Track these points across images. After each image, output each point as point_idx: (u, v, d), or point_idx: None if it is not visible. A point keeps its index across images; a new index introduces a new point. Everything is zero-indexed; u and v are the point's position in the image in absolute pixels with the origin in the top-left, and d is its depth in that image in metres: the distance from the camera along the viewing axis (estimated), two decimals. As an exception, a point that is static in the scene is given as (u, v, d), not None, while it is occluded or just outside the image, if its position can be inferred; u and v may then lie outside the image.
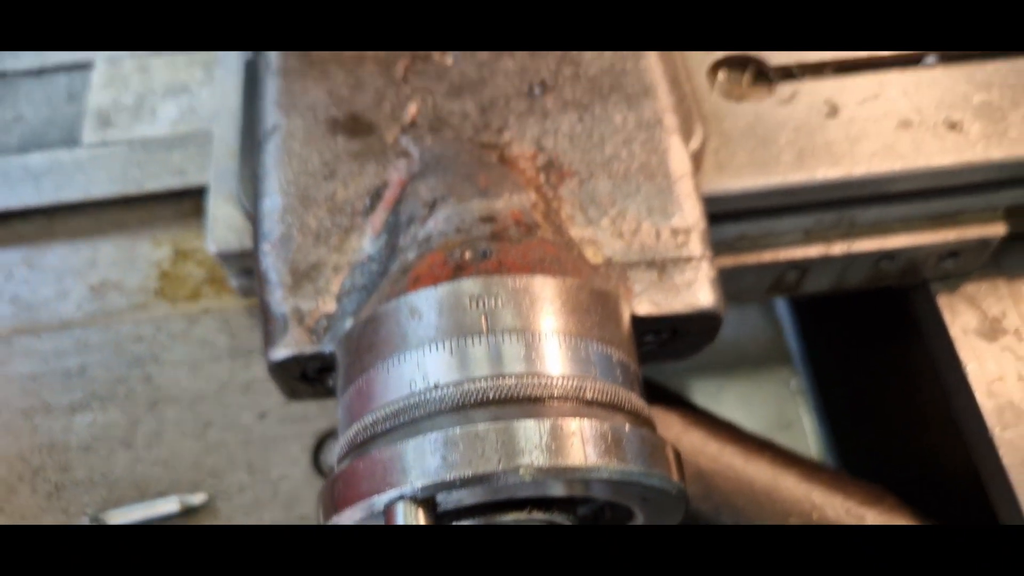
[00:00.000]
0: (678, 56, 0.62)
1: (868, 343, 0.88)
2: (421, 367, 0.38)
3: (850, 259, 0.64)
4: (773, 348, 1.20)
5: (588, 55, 0.54)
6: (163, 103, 0.71)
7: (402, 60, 0.55)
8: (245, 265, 0.60)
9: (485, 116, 0.52)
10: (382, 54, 0.55)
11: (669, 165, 0.50)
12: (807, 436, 1.13)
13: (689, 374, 1.17)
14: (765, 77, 0.64)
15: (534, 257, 0.42)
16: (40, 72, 0.74)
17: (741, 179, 0.59)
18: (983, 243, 0.65)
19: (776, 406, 1.16)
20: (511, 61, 0.54)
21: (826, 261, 0.64)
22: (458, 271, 0.41)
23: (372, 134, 0.52)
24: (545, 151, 0.51)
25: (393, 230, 0.48)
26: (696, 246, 0.48)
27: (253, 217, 0.53)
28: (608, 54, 0.54)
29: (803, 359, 1.14)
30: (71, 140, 0.70)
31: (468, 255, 0.42)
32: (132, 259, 0.67)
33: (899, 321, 0.76)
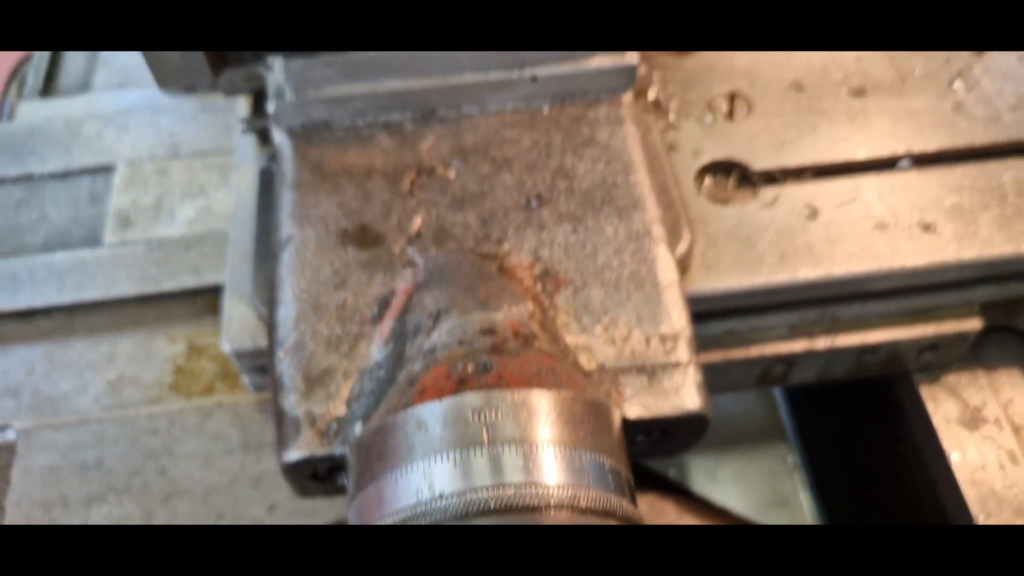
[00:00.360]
0: (667, 163, 0.66)
1: (857, 426, 0.91)
2: (427, 477, 0.41)
3: (833, 353, 0.67)
4: (769, 424, 1.22)
5: (581, 170, 0.58)
6: (181, 204, 0.75)
7: (408, 174, 0.59)
8: (257, 363, 0.63)
9: (486, 227, 0.56)
10: (389, 168, 0.59)
11: (657, 274, 0.54)
12: (804, 513, 1.14)
13: (686, 451, 1.18)
14: (749, 181, 0.68)
15: (531, 370, 0.45)
16: (65, 175, 0.78)
17: (727, 279, 0.62)
18: (960, 337, 0.68)
19: (772, 483, 1.18)
20: (509, 176, 0.58)
21: (810, 355, 0.67)
22: (461, 385, 0.44)
23: (380, 245, 0.56)
24: (542, 261, 0.54)
25: (399, 338, 0.51)
26: (683, 352, 0.51)
27: (267, 321, 0.56)
28: (600, 168, 0.58)
29: (796, 437, 1.16)
30: (93, 240, 0.74)
31: (470, 368, 0.45)
32: (148, 355, 0.70)
33: (885, 407, 0.79)
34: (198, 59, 0.55)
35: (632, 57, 0.60)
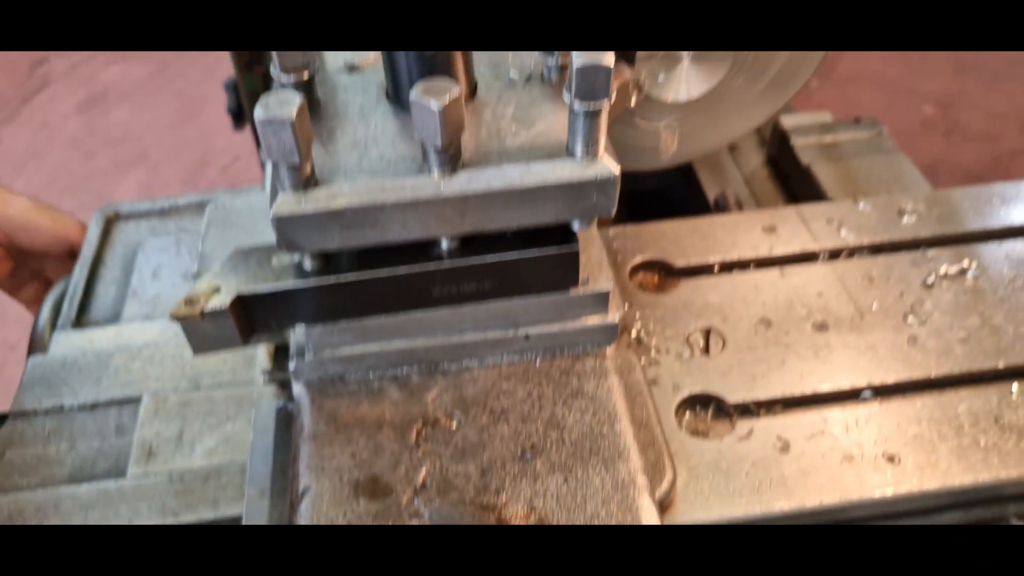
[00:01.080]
0: (650, 400, 0.72)
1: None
2: None
3: None
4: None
5: (570, 420, 0.65)
6: (201, 436, 0.81)
7: (415, 425, 0.65)
8: (271, 598, 0.67)
9: (484, 478, 0.61)
10: (398, 419, 0.65)
11: (641, 523, 0.59)
12: None
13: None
14: (725, 413, 0.74)
15: (528, 634, 0.50)
16: (94, 406, 0.84)
17: (708, 512, 0.67)
18: (932, 559, 0.72)
19: None
20: (506, 427, 0.64)
21: (792, 581, 0.71)
22: (464, 651, 0.48)
23: (389, 495, 0.61)
24: (536, 511, 0.60)
25: (407, 590, 0.56)
26: (667, 600, 0.56)
27: (284, 568, 0.61)
28: (587, 419, 0.65)
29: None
30: (118, 471, 0.79)
31: (473, 634, 0.49)
32: (166, 585, 0.74)
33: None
34: (230, 329, 0.63)
35: (614, 316, 0.68)
